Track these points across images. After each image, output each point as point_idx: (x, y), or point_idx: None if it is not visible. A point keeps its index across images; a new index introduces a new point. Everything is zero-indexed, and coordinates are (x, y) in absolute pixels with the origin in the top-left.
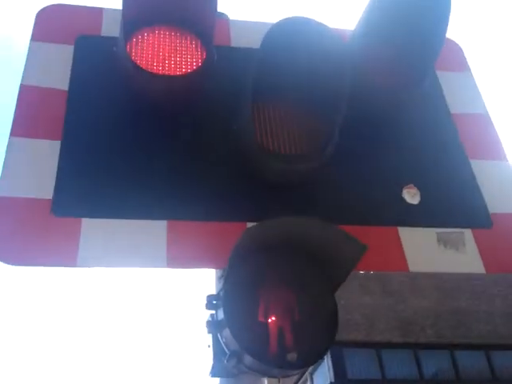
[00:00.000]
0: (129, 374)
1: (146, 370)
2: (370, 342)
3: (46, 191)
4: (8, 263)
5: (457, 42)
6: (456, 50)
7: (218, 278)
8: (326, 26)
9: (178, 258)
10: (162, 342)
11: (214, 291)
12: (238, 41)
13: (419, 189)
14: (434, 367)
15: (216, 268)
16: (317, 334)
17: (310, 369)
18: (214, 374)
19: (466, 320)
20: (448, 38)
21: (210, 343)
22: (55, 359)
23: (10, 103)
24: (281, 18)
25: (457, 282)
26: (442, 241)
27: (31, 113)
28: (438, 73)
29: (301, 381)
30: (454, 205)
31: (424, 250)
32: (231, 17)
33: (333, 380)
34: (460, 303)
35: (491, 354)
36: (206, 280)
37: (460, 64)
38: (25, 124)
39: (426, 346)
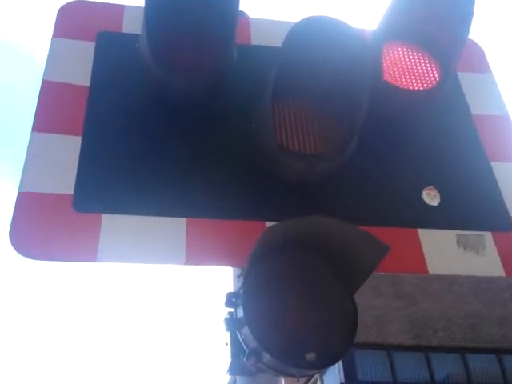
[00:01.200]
0: (142, 372)
1: (160, 367)
2: (381, 344)
3: (68, 187)
4: (29, 258)
5: (478, 43)
6: (478, 51)
7: (237, 277)
8: (348, 25)
9: (196, 255)
10: (176, 339)
11: (231, 289)
12: (258, 39)
13: (439, 190)
14: (445, 370)
15: (234, 266)
16: (335, 335)
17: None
18: (231, 371)
19: (478, 324)
20: (469, 39)
21: (228, 341)
22: (68, 353)
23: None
24: (302, 17)
25: (469, 285)
26: (462, 243)
27: (53, 108)
28: (459, 74)
29: (311, 381)
30: (474, 207)
31: (444, 253)
32: (250, 15)
33: (343, 381)
34: (472, 307)
35: (503, 358)
36: (222, 279)
37: (481, 65)
38: (46, 119)
39: (437, 349)
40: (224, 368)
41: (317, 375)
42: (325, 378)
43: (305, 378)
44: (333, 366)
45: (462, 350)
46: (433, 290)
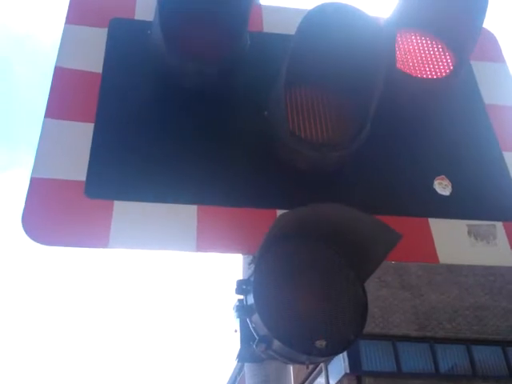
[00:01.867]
0: (150, 360)
1: (167, 355)
2: (386, 334)
3: (80, 173)
4: (41, 243)
5: (493, 32)
6: (492, 41)
7: (248, 264)
8: (362, 12)
9: (207, 243)
10: (185, 325)
11: (240, 277)
12: (270, 27)
13: (451, 180)
14: (450, 362)
15: (245, 253)
16: (346, 323)
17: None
18: (240, 358)
19: (484, 316)
20: (484, 28)
21: (238, 328)
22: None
23: None
24: (316, 4)
25: (476, 277)
26: (473, 233)
27: (65, 95)
28: (473, 63)
29: (316, 371)
30: (486, 197)
31: (454, 242)
32: (262, 2)
33: (348, 371)
34: (478, 299)
35: (508, 350)
36: (232, 266)
37: (496, 55)
38: (59, 106)
39: (442, 341)
40: (232, 355)
41: (321, 365)
42: (329, 367)
43: (309, 369)
44: (337, 357)
45: (468, 342)
46: (439, 282)
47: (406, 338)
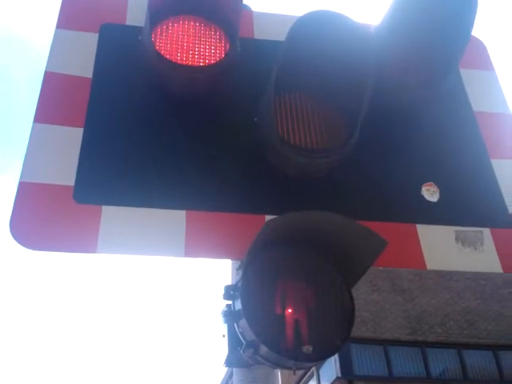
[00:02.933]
0: (141, 363)
1: (157, 359)
2: (378, 338)
3: (69, 178)
4: (29, 248)
5: (481, 40)
6: (480, 48)
7: (236, 270)
8: (351, 19)
9: (195, 248)
10: (174, 331)
11: (229, 282)
12: (261, 33)
13: (439, 186)
14: (441, 366)
15: (233, 259)
16: (333, 329)
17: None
18: (228, 363)
19: (475, 320)
20: (473, 36)
21: (225, 333)
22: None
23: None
24: (305, 12)
25: (466, 282)
26: (460, 239)
27: (55, 100)
28: (462, 70)
29: (307, 375)
30: (474, 203)
31: (442, 248)
32: (254, 9)
33: (339, 375)
34: (469, 303)
35: (499, 355)
36: (220, 272)
37: (484, 62)
38: (48, 111)
39: (434, 345)
40: (221, 360)
41: (313, 369)
42: (321, 372)
43: (301, 373)
44: (329, 361)
45: (459, 346)
46: (430, 286)
47: (398, 342)
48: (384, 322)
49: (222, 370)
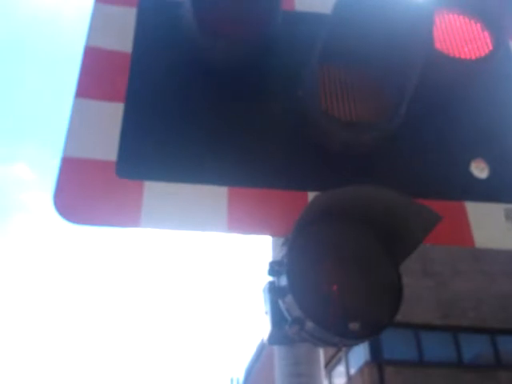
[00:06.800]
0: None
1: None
2: (408, 323)
3: (111, 153)
4: (73, 222)
5: None
6: None
7: (280, 246)
8: None
9: (238, 224)
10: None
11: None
12: (302, 5)
13: (488, 163)
14: (473, 351)
15: (275, 235)
16: (380, 306)
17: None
18: (271, 341)
19: (510, 305)
20: None
21: (268, 310)
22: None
23: None
24: None
25: (500, 265)
26: (510, 217)
27: (95, 74)
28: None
29: (335, 358)
30: None
31: (491, 226)
32: None
33: (368, 359)
34: (503, 287)
35: None
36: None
37: None
38: (88, 85)
39: (466, 330)
40: (262, 337)
41: (341, 354)
42: (350, 355)
43: (328, 356)
44: (358, 345)
45: (492, 331)
46: (463, 269)
47: (429, 327)
48: (416, 305)
49: (247, 356)
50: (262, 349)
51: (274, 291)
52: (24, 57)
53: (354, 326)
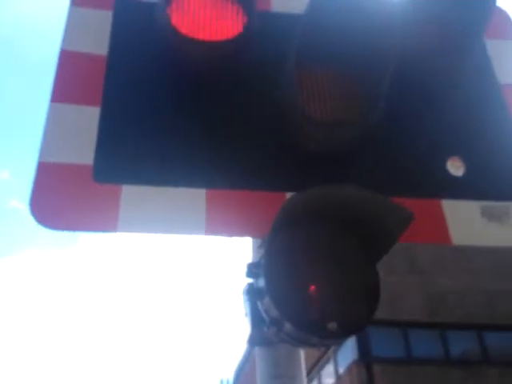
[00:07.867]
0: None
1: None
2: (396, 320)
3: (87, 157)
4: (50, 228)
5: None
6: (504, 18)
7: (258, 247)
8: None
9: (216, 226)
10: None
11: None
12: (278, 5)
13: (464, 160)
14: (460, 347)
15: (254, 237)
16: (358, 306)
17: (333, 346)
18: (252, 342)
19: (495, 301)
20: (497, 7)
21: (248, 312)
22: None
23: None
24: None
25: (485, 262)
26: (486, 214)
27: (71, 78)
28: (487, 41)
29: (324, 358)
30: (499, 178)
31: (468, 223)
32: None
33: (356, 358)
34: (488, 284)
35: None
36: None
37: (509, 32)
38: (64, 90)
39: (453, 327)
40: (243, 339)
41: (330, 353)
42: (338, 354)
43: (316, 356)
44: (346, 343)
45: (479, 327)
46: (449, 267)
47: (416, 324)
48: (403, 303)
49: (237, 357)
50: (251, 350)
51: (253, 293)
52: (8, 61)
53: (331, 326)
